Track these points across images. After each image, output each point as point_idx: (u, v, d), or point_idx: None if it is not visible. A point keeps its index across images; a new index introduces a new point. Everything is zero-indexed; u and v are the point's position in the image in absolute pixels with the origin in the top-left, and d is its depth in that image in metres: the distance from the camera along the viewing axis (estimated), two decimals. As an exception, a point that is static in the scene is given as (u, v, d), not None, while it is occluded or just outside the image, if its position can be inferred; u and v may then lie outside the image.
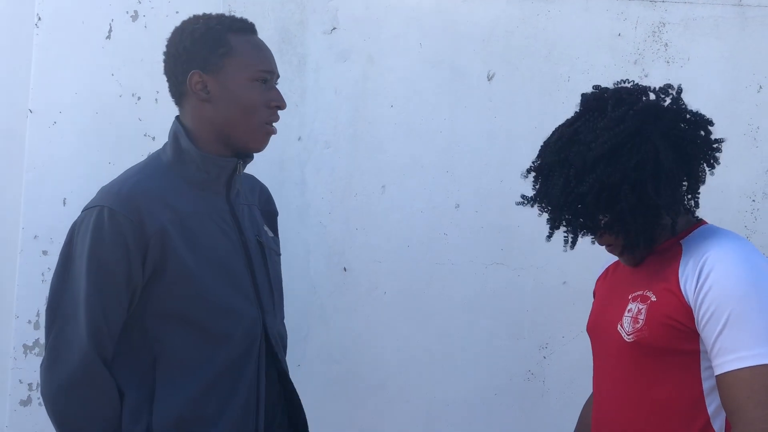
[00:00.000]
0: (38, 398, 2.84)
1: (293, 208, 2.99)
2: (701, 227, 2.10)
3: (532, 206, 2.13)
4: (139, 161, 2.40)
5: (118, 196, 2.20)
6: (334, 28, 3.05)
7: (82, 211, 2.25)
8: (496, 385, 3.03)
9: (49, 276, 2.31)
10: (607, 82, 2.20)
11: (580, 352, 2.88)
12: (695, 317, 1.96)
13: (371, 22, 3.03)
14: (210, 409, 2.22)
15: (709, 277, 1.94)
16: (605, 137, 2.01)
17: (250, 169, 2.43)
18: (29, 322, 2.89)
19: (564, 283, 3.02)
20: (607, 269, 2.29)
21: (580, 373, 2.92)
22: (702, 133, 2.07)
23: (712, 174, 2.10)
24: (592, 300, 2.34)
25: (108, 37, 2.95)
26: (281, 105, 2.31)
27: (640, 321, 2.02)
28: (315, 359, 3.01)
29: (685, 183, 2.06)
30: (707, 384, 1.97)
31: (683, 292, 1.98)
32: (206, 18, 2.34)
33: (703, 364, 1.97)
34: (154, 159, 2.33)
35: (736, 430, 1.92)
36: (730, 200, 2.99)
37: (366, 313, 3.03)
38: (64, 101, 2.91)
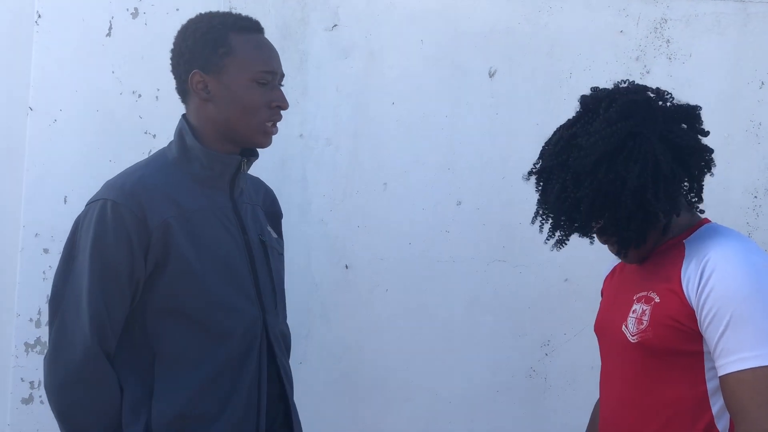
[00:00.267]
0: (40, 396, 2.83)
1: (294, 206, 2.99)
2: (704, 226, 2.09)
3: (542, 217, 2.11)
4: (140, 159, 2.41)
5: (121, 189, 2.20)
6: (335, 25, 3.04)
7: (86, 205, 2.25)
8: (498, 382, 3.03)
9: (51, 274, 2.31)
10: (609, 79, 2.20)
11: (582, 349, 2.88)
12: (698, 318, 1.96)
13: (372, 19, 3.03)
14: (210, 407, 2.22)
15: (711, 279, 1.94)
16: (597, 139, 2.00)
17: (252, 164, 2.42)
18: (30, 320, 2.89)
19: (566, 280, 3.01)
20: (614, 268, 2.29)
21: (582, 371, 2.93)
22: (698, 134, 2.07)
23: (711, 175, 2.09)
24: (597, 298, 2.34)
25: (108, 34, 2.94)
26: (283, 105, 2.31)
27: (644, 322, 2.02)
28: (317, 357, 3.00)
29: (686, 183, 2.05)
30: (711, 384, 1.97)
31: (686, 294, 1.98)
32: (210, 17, 2.33)
33: (706, 365, 1.98)
34: (160, 156, 2.33)
35: (739, 431, 1.92)
36: (732, 197, 2.99)
37: (368, 310, 3.03)
38: (64, 99, 2.91)
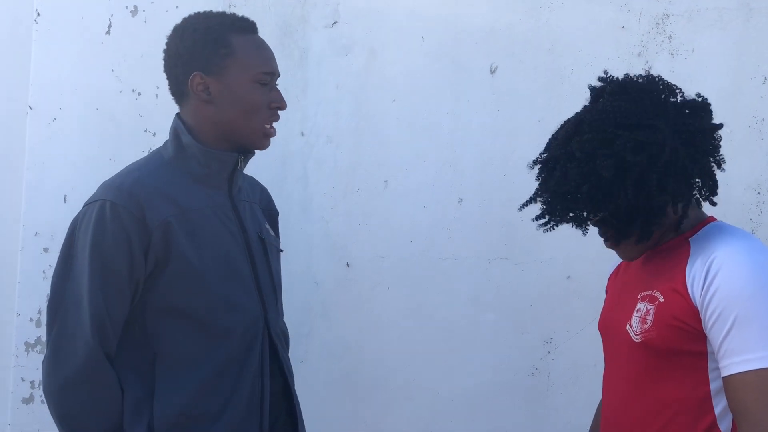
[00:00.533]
0: (40, 396, 2.83)
1: (295, 203, 2.98)
2: (710, 224, 2.08)
3: (535, 202, 2.10)
4: (139, 157, 2.40)
5: (119, 190, 2.20)
6: (336, 22, 3.03)
7: (84, 206, 2.24)
8: (500, 380, 3.02)
9: (50, 273, 2.30)
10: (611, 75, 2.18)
11: (585, 346, 2.88)
12: (702, 319, 1.95)
13: (373, 16, 3.02)
14: (212, 406, 2.22)
15: (716, 279, 1.93)
16: (604, 118, 1.98)
17: (252, 162, 2.41)
18: (31, 319, 2.89)
19: (568, 277, 3.00)
20: (619, 266, 2.27)
21: (585, 368, 2.92)
22: (709, 127, 2.05)
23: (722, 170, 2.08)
24: (599, 296, 2.33)
25: (108, 32, 2.93)
26: (282, 106, 2.31)
27: (648, 321, 2.01)
28: (318, 355, 3.00)
29: (698, 181, 2.03)
30: (714, 385, 1.96)
31: (690, 293, 1.96)
32: (207, 17, 2.32)
33: (710, 365, 1.96)
34: (156, 155, 2.33)
35: (742, 432, 1.91)
36: (735, 193, 2.97)
37: (369, 308, 3.02)
38: (63, 97, 2.90)
